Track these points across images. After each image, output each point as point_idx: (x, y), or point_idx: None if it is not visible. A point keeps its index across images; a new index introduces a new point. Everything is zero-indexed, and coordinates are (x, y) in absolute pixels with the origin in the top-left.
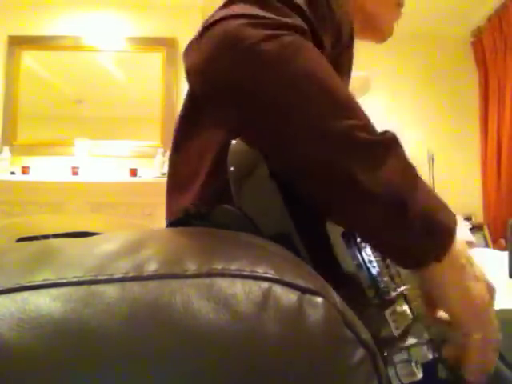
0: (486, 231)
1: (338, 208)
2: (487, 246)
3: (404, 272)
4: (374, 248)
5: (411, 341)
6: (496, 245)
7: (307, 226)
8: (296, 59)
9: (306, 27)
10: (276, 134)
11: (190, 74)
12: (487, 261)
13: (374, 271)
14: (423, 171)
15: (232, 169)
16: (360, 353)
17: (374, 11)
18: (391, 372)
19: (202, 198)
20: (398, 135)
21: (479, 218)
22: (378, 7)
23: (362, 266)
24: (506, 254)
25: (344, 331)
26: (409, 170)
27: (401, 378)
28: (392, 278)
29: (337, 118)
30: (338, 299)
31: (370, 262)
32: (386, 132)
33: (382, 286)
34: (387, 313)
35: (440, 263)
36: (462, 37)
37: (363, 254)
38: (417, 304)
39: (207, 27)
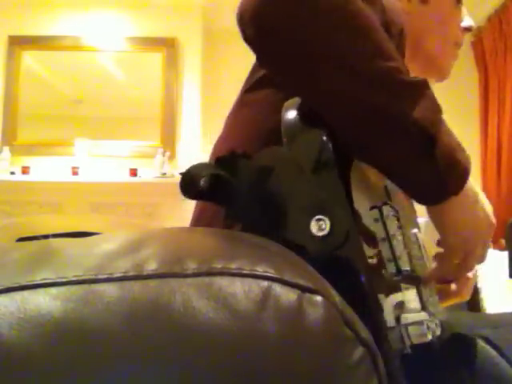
0: None
1: (371, 143)
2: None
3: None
4: (398, 184)
5: (421, 316)
6: (496, 245)
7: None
8: (346, 3)
9: None
10: (323, 74)
11: (242, 19)
12: (487, 261)
13: (396, 246)
14: None
15: (285, 140)
16: (360, 351)
17: (435, 53)
18: (403, 330)
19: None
20: None
21: None
22: (438, 48)
23: (385, 240)
24: (505, 253)
25: (344, 330)
26: (437, 110)
27: (411, 337)
28: (411, 261)
29: (380, 59)
30: (337, 298)
31: (394, 237)
32: (417, 77)
33: (402, 262)
34: (402, 286)
35: (456, 197)
36: None
37: (389, 229)
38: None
39: None
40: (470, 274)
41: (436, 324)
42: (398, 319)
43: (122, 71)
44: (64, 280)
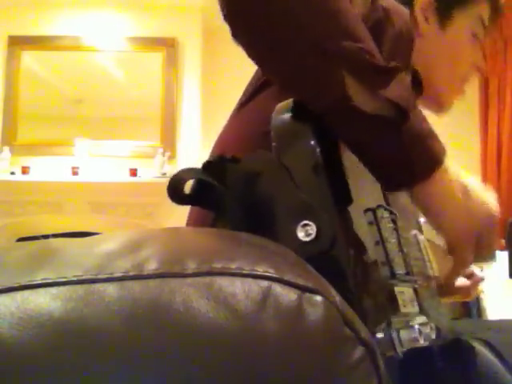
0: None
1: (339, 122)
2: None
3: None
4: (367, 165)
5: (415, 320)
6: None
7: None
8: None
9: None
10: (285, 49)
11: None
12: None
13: (390, 249)
14: None
15: (274, 144)
16: (360, 351)
17: (440, 87)
18: (394, 335)
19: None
20: None
21: None
22: (444, 83)
23: (379, 243)
24: (506, 253)
25: (343, 330)
26: (409, 93)
27: (403, 343)
28: (406, 264)
29: (346, 39)
30: (337, 298)
31: (388, 239)
32: (390, 62)
33: (396, 264)
34: (396, 289)
35: (431, 188)
36: None
37: (383, 231)
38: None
39: None
40: (480, 274)
41: (431, 328)
42: (388, 323)
43: (122, 71)
44: (64, 280)
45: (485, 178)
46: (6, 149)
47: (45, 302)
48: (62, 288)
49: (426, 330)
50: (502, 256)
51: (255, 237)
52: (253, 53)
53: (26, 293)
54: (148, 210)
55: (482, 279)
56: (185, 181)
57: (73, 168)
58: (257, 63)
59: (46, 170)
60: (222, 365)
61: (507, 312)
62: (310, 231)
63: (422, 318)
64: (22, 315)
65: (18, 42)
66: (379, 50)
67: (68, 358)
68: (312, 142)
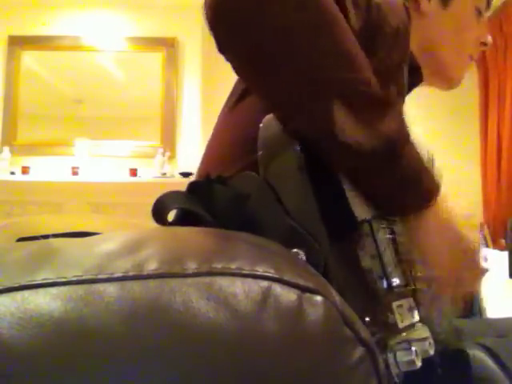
0: (486, 231)
1: (333, 158)
2: (487, 246)
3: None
4: (363, 194)
5: (414, 335)
6: (496, 245)
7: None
8: (317, 9)
9: None
10: (281, 77)
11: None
12: (487, 261)
13: (387, 262)
14: None
15: (261, 153)
16: (359, 351)
17: (447, 62)
18: (390, 358)
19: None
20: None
21: (479, 217)
22: (450, 58)
23: (375, 256)
24: (506, 253)
25: (344, 330)
26: (404, 126)
27: (399, 365)
28: (404, 274)
29: (341, 69)
30: (337, 298)
31: (384, 253)
32: (387, 91)
33: (393, 277)
34: (394, 304)
35: (422, 220)
36: None
37: (379, 244)
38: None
39: None
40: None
41: (430, 343)
42: (385, 346)
43: (122, 71)
44: (64, 280)
45: (485, 178)
46: (6, 149)
47: (45, 302)
48: (62, 288)
49: (425, 346)
50: (502, 256)
51: (255, 237)
52: (241, 74)
53: (26, 293)
54: (148, 209)
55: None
56: (168, 210)
57: (73, 168)
58: (244, 82)
59: (46, 169)
60: (221, 364)
61: (507, 312)
62: (300, 258)
63: (420, 332)
64: (22, 315)
65: (17, 42)
66: (377, 52)
67: (68, 358)
68: (299, 158)
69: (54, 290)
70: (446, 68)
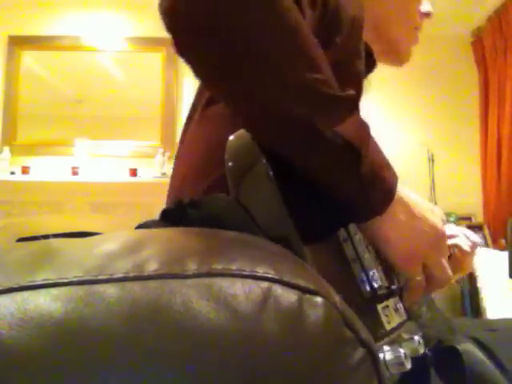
0: (486, 231)
1: (296, 156)
2: (487, 246)
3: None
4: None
5: (403, 335)
6: (496, 245)
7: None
8: (273, 7)
9: None
10: (243, 80)
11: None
12: (487, 261)
13: (367, 266)
14: (423, 171)
15: (230, 164)
16: (360, 352)
17: (395, 38)
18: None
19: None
20: (396, 134)
21: (479, 218)
22: (398, 33)
23: (356, 260)
24: (506, 253)
25: (344, 331)
26: (364, 126)
27: (389, 367)
28: (386, 274)
29: (301, 69)
30: (338, 299)
31: (364, 257)
32: (346, 90)
33: (375, 280)
34: (379, 307)
35: (384, 216)
36: (461, 37)
37: (358, 248)
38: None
39: None
40: (467, 249)
41: (419, 342)
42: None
43: (122, 71)
44: (65, 281)
45: (485, 178)
46: (6, 149)
47: (45, 302)
48: (62, 289)
49: (414, 345)
50: (502, 256)
51: (255, 238)
52: (201, 78)
53: (27, 293)
54: (148, 210)
55: (477, 245)
56: None
57: (73, 168)
58: (205, 87)
59: (46, 169)
60: (222, 366)
61: (507, 312)
62: None
63: (408, 330)
64: (22, 316)
65: (17, 42)
66: (335, 40)
67: (68, 358)
68: (270, 174)
69: (54, 291)
70: (395, 43)
